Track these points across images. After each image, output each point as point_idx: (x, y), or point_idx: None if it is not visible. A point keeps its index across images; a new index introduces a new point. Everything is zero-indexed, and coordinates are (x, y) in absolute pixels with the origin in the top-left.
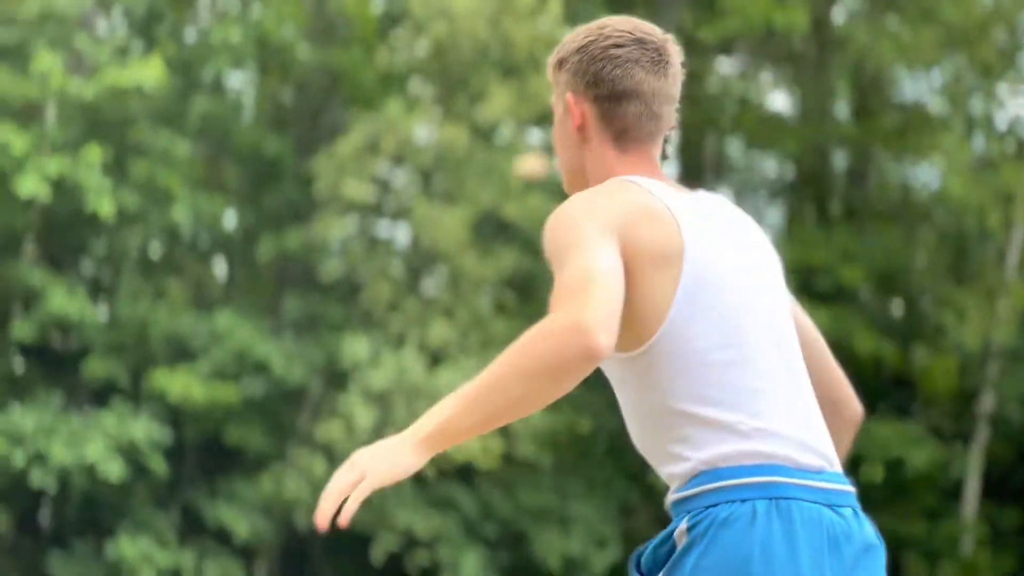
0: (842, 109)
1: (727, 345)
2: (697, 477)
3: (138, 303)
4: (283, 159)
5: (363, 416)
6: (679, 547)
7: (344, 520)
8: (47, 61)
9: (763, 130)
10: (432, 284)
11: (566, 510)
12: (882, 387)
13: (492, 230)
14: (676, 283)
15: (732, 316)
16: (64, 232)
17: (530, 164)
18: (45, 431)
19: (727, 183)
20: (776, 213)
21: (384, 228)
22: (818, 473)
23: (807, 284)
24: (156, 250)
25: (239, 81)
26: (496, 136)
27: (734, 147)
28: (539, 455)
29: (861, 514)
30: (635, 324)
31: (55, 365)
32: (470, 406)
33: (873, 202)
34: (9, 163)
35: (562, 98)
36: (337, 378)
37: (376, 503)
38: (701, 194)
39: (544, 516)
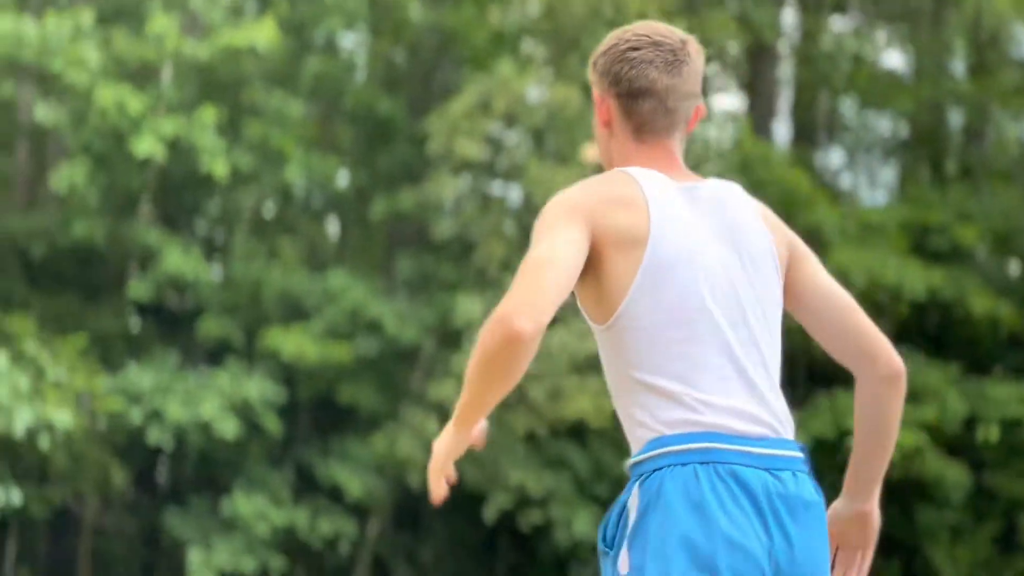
0: (958, 66)
1: (681, 322)
2: (648, 443)
3: (252, 263)
4: (395, 119)
5: None
6: (634, 514)
7: (438, 500)
8: (162, 23)
9: (877, 88)
10: None
11: None
12: (998, 348)
13: None
14: (638, 264)
15: (689, 297)
16: (179, 192)
17: (592, 151)
18: (161, 390)
19: (840, 142)
20: (890, 172)
21: (497, 188)
22: (759, 440)
23: (921, 244)
24: (269, 210)
25: (351, 42)
26: None
27: (848, 106)
28: None
29: (801, 476)
30: (603, 300)
31: (171, 324)
32: (466, 393)
33: (990, 161)
34: (126, 124)
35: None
36: (450, 337)
37: (489, 463)
38: (705, 184)
39: None
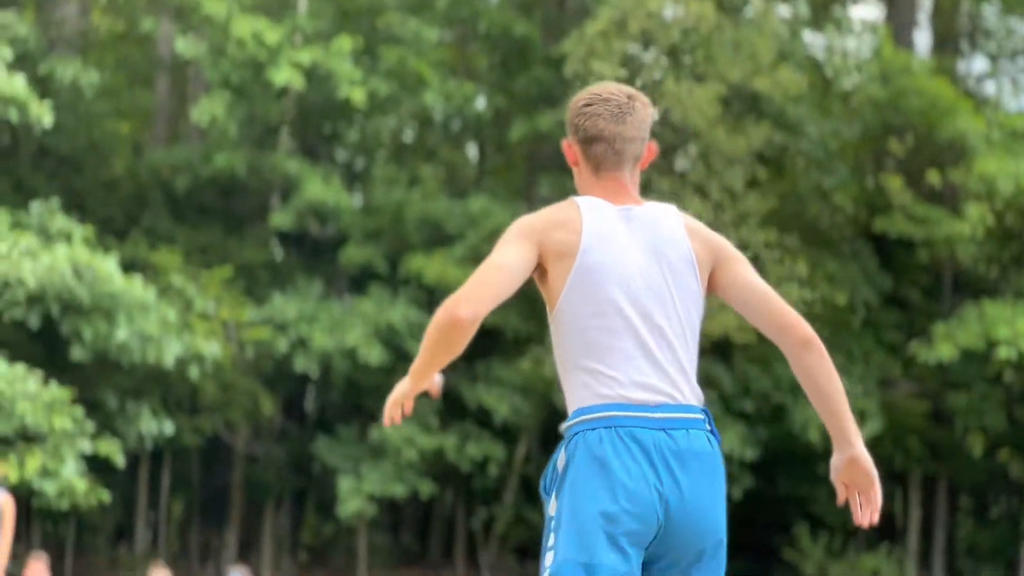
0: None
1: (600, 315)
2: (573, 412)
3: (392, 189)
4: (531, 42)
5: None
6: (560, 469)
7: (387, 422)
8: None
9: None
10: (684, 162)
11: None
12: None
13: (742, 105)
14: (569, 272)
15: (607, 296)
16: (318, 121)
17: None
18: (306, 318)
19: (983, 49)
20: None
21: None
22: (657, 407)
23: None
24: (409, 136)
25: None
26: (744, 11)
27: (990, 12)
28: None
29: (695, 432)
30: (549, 298)
31: (313, 253)
32: (419, 356)
33: None
34: (263, 54)
35: None
36: None
37: None
38: (642, 206)
39: (802, 390)
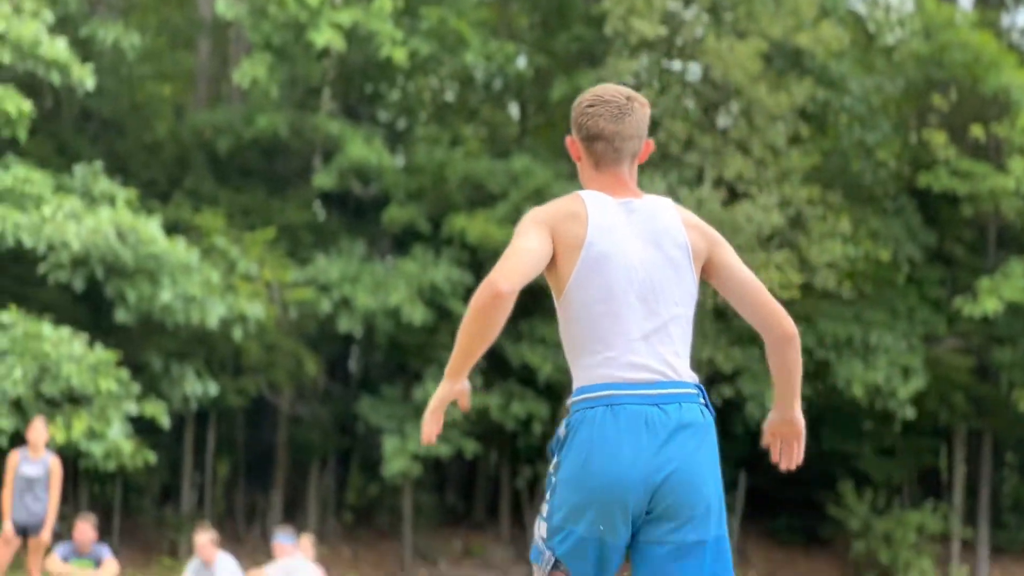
0: None
1: (602, 301)
2: (576, 389)
3: (435, 149)
4: (571, 0)
5: None
6: (563, 438)
7: (426, 439)
8: None
9: None
10: (726, 119)
11: (868, 340)
12: None
13: (784, 61)
14: (576, 261)
15: (611, 285)
16: (359, 82)
17: None
18: (349, 279)
19: None
20: None
21: (676, 66)
22: (651, 384)
23: None
24: (450, 96)
25: None
26: None
27: None
28: (839, 285)
29: (687, 405)
30: (557, 285)
31: (356, 214)
32: (457, 345)
33: None
34: (304, 15)
35: None
36: None
37: None
38: (642, 199)
39: (846, 346)
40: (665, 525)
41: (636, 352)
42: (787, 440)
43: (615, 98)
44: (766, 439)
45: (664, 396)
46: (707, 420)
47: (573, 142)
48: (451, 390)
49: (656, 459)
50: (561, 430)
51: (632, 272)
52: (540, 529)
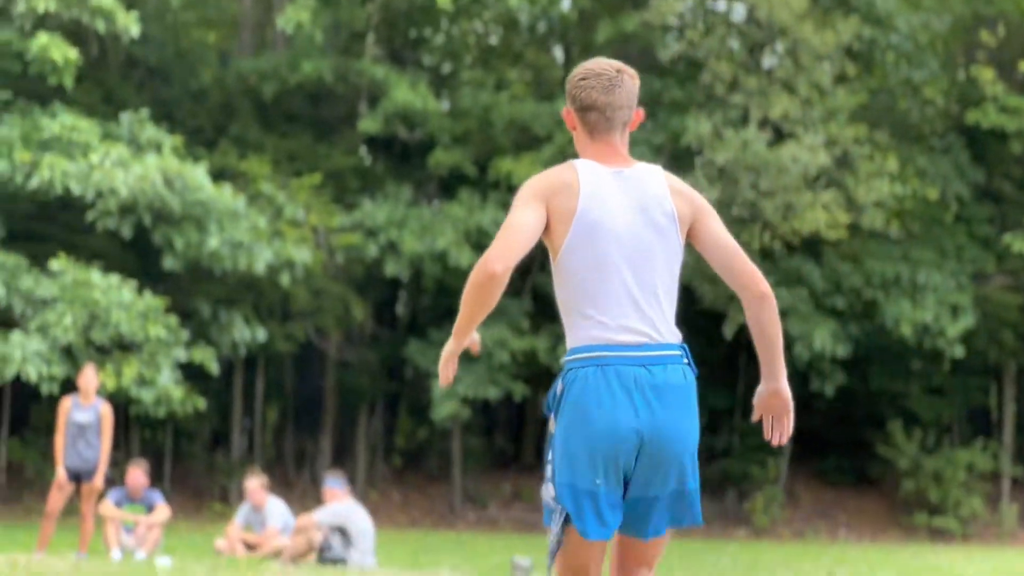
0: None
1: (592, 267)
2: (570, 350)
3: (480, 92)
4: None
5: (708, 192)
6: (559, 396)
7: (444, 383)
8: None
9: None
10: (771, 58)
11: (916, 278)
12: None
13: (830, 0)
14: (569, 230)
15: (600, 250)
16: (404, 26)
17: None
18: (396, 223)
19: None
20: None
21: (721, 6)
22: (638, 347)
23: None
24: (494, 39)
25: None
26: None
27: None
28: (886, 224)
29: (672, 367)
30: (553, 250)
31: (402, 158)
32: (460, 314)
33: None
34: None
35: None
36: (680, 156)
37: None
38: (632, 167)
39: (894, 285)
40: (651, 479)
41: (625, 316)
42: (777, 414)
43: (606, 71)
44: (756, 414)
45: (650, 358)
46: (689, 380)
47: (569, 113)
48: (459, 345)
49: (641, 417)
50: (558, 387)
51: (621, 239)
52: (547, 491)
